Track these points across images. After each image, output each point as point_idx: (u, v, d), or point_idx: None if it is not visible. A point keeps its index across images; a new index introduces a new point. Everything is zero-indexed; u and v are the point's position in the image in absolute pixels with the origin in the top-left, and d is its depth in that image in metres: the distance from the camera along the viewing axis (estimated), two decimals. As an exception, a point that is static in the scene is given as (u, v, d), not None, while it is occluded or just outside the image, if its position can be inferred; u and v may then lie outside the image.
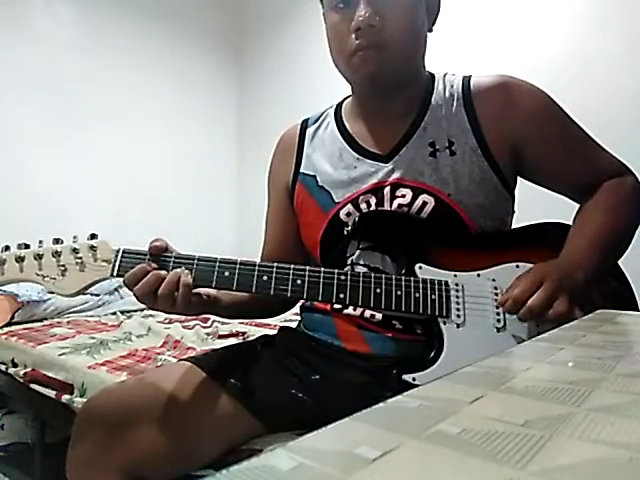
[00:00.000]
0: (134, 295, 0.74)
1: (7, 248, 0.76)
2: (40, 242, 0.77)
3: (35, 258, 0.76)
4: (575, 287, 0.70)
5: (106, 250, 0.77)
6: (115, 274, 0.76)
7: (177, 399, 0.75)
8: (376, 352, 0.81)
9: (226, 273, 0.75)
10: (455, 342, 0.74)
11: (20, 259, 0.75)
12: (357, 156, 0.87)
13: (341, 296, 0.74)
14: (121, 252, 0.76)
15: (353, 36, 0.78)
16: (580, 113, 0.92)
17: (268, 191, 1.00)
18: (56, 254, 0.76)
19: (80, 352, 1.58)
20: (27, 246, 0.77)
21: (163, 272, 0.73)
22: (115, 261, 0.76)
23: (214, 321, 1.92)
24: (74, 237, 0.78)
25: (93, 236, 0.78)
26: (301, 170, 0.92)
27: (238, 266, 0.75)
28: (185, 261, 0.76)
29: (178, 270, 0.74)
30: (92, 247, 0.77)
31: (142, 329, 1.88)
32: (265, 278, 0.75)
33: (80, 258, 0.77)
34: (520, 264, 0.77)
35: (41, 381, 1.53)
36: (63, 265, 0.76)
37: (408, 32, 0.80)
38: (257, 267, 0.75)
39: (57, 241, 0.78)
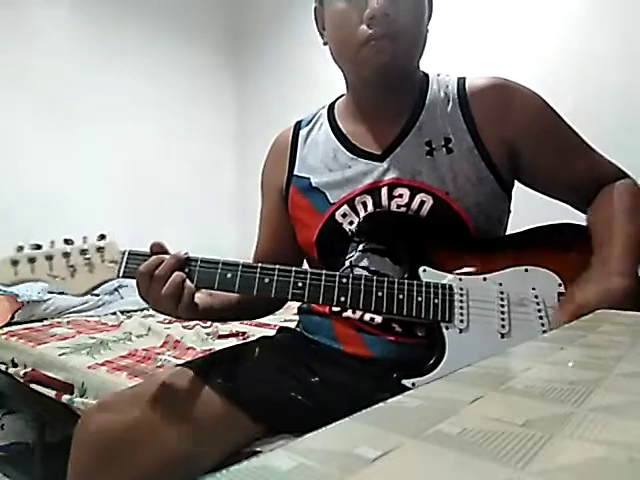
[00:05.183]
0: (138, 290, 0.75)
1: (21, 248, 0.79)
2: (52, 242, 0.80)
3: (46, 259, 0.79)
4: (617, 298, 0.65)
5: (113, 251, 0.80)
6: (121, 275, 0.78)
7: (175, 408, 0.74)
8: (376, 355, 0.80)
9: (228, 275, 0.75)
10: (457, 348, 0.73)
11: (32, 260, 0.78)
12: (351, 156, 0.86)
13: (342, 299, 0.74)
14: (127, 253, 0.79)
15: (364, 26, 0.76)
16: (576, 114, 0.92)
17: (262, 193, 1.00)
18: (66, 255, 0.79)
19: (80, 352, 1.58)
20: (39, 247, 0.80)
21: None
22: (121, 262, 0.78)
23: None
24: (84, 238, 0.81)
25: (102, 237, 0.81)
26: (295, 172, 0.91)
27: (240, 268, 0.76)
28: (188, 262, 0.76)
29: (181, 273, 0.74)
30: (100, 248, 0.80)
31: (142, 329, 1.88)
32: (267, 280, 0.75)
33: (89, 259, 0.79)
34: (529, 268, 0.75)
35: (41, 381, 1.53)
36: (72, 266, 0.79)
37: (417, 25, 0.80)
38: (259, 269, 0.75)
39: (67, 242, 0.80)
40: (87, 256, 0.79)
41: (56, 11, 2.66)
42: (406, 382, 0.71)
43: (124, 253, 0.79)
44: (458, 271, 0.77)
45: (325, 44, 0.88)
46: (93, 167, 2.73)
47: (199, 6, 3.30)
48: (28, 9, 2.56)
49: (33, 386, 1.55)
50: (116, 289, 2.45)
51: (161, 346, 1.65)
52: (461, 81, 0.86)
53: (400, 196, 0.81)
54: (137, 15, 2.99)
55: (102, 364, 1.45)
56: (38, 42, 2.58)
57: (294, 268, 0.76)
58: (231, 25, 3.46)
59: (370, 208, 0.83)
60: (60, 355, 1.56)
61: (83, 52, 2.75)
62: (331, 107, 0.95)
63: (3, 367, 1.73)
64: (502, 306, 0.74)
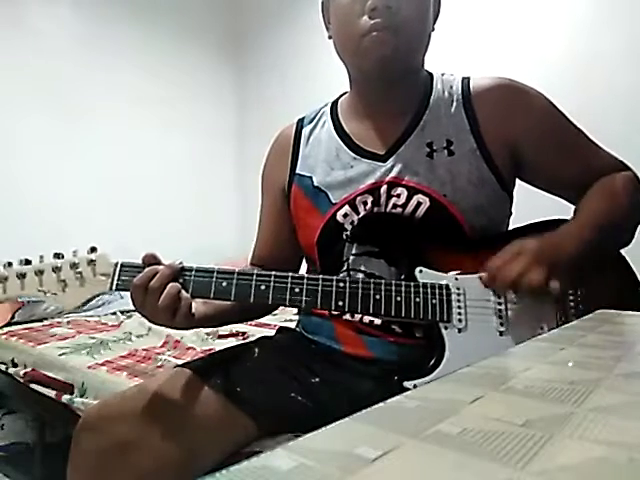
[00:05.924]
0: (133, 303, 0.74)
1: (9, 264, 0.77)
2: (41, 257, 0.78)
3: (36, 274, 0.77)
4: (558, 258, 0.71)
5: (105, 264, 0.78)
6: (114, 288, 0.76)
7: (175, 408, 0.74)
8: (377, 356, 0.80)
9: (224, 284, 0.75)
10: (457, 347, 0.73)
11: (22, 276, 0.76)
12: (354, 155, 0.86)
13: (340, 304, 0.73)
14: (119, 266, 0.76)
15: (366, 17, 0.77)
16: (583, 114, 0.91)
17: (262, 191, 1.00)
18: (56, 269, 0.78)
19: (80, 352, 1.58)
20: (28, 262, 0.78)
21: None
22: (114, 275, 0.76)
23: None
24: (74, 251, 0.79)
25: (93, 249, 0.79)
26: (297, 171, 0.91)
27: (236, 276, 0.75)
28: (182, 272, 0.75)
29: (176, 284, 0.73)
30: (91, 261, 0.78)
31: (142, 329, 1.88)
32: (263, 287, 0.74)
33: (80, 273, 0.78)
34: None
35: (41, 381, 1.53)
36: (63, 280, 0.78)
37: (420, 20, 0.81)
38: (255, 277, 0.75)
39: (57, 256, 0.79)
40: (78, 270, 0.78)
41: (57, 9, 2.66)
42: (407, 384, 0.71)
43: (116, 265, 0.76)
44: (454, 271, 0.77)
45: (330, 37, 0.88)
46: (93, 166, 2.72)
47: (199, 6, 3.30)
48: (29, 7, 2.56)
49: (33, 386, 1.55)
50: (116, 289, 2.45)
51: (161, 346, 1.65)
52: (465, 81, 0.86)
53: (398, 196, 0.81)
54: (136, 14, 2.98)
55: (102, 364, 1.45)
56: (39, 41, 2.58)
57: (290, 274, 0.75)
58: (231, 21, 3.45)
59: (370, 207, 0.83)
60: (60, 355, 1.56)
61: (83, 50, 2.74)
62: (334, 105, 0.95)
63: (3, 367, 1.72)
64: (499, 304, 0.74)
